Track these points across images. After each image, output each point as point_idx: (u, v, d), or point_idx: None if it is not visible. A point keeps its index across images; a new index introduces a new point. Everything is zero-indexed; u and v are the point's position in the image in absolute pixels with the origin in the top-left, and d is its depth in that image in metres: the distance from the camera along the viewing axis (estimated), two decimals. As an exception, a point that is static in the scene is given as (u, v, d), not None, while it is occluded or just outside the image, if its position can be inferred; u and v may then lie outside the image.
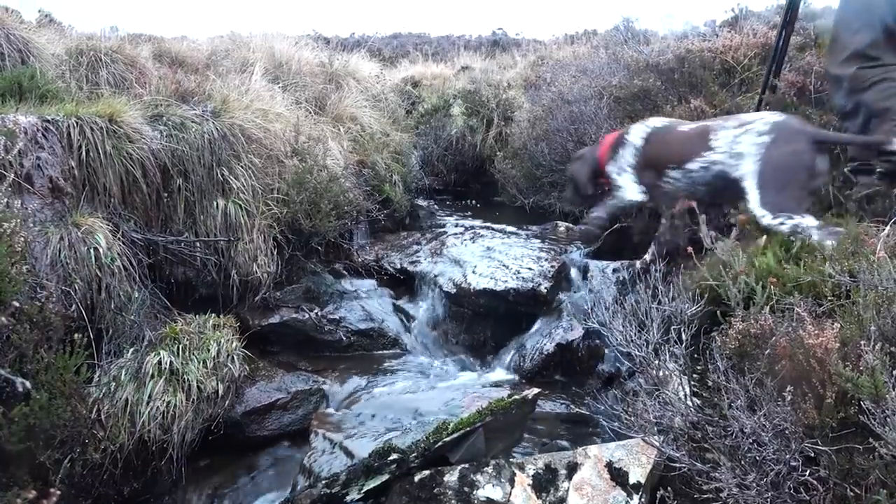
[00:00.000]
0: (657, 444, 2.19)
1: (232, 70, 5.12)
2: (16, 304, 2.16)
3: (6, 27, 3.99)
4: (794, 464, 1.74)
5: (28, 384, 2.16)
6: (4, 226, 2.19)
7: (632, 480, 2.31)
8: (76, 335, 2.51)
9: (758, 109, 3.75)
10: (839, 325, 1.86)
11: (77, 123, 3.10)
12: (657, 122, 3.56)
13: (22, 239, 2.28)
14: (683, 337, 2.28)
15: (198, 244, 3.51)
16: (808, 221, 2.65)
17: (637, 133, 3.51)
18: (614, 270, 4.11)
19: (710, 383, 2.11)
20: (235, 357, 3.15)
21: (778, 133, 2.86)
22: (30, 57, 4.04)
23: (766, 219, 2.76)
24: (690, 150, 3.18)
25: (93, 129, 3.14)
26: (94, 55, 4.42)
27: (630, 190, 3.49)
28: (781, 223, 2.71)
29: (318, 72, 6.30)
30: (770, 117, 2.96)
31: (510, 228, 5.16)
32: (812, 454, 1.75)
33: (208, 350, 3.06)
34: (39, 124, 2.97)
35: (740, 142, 2.95)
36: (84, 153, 3.09)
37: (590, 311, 3.57)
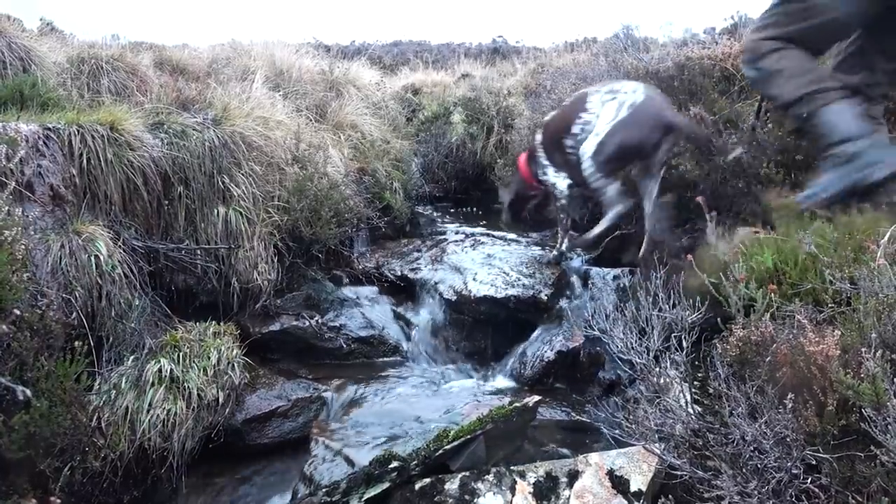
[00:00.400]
0: (658, 451, 2.18)
1: (233, 78, 5.14)
2: (17, 312, 2.16)
3: (8, 35, 4.01)
4: (795, 471, 1.73)
5: (28, 392, 2.16)
6: (6, 234, 2.19)
7: (633, 488, 2.31)
8: (77, 343, 2.50)
9: (757, 116, 3.77)
10: (840, 333, 1.86)
11: (78, 131, 3.11)
12: (547, 118, 4.08)
13: (23, 247, 2.29)
14: (684, 344, 2.27)
15: (198, 252, 3.51)
16: (612, 188, 3.39)
17: (538, 136, 4.00)
18: (614, 277, 4.10)
19: (711, 391, 2.11)
20: (236, 365, 3.14)
21: (636, 111, 3.33)
22: (31, 65, 4.06)
23: (591, 170, 3.42)
24: (571, 115, 3.59)
25: (94, 136, 3.15)
26: (96, 63, 4.44)
27: (559, 182, 3.88)
28: (596, 180, 3.39)
29: (319, 79, 6.32)
30: (637, 96, 3.38)
31: (510, 236, 5.16)
32: (813, 462, 1.75)
33: (209, 358, 3.05)
34: (41, 132, 2.98)
35: (604, 107, 3.42)
36: (85, 161, 3.10)
37: (590, 318, 3.58)
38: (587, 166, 3.40)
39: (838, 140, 2.74)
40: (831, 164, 2.78)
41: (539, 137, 3.95)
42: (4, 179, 2.61)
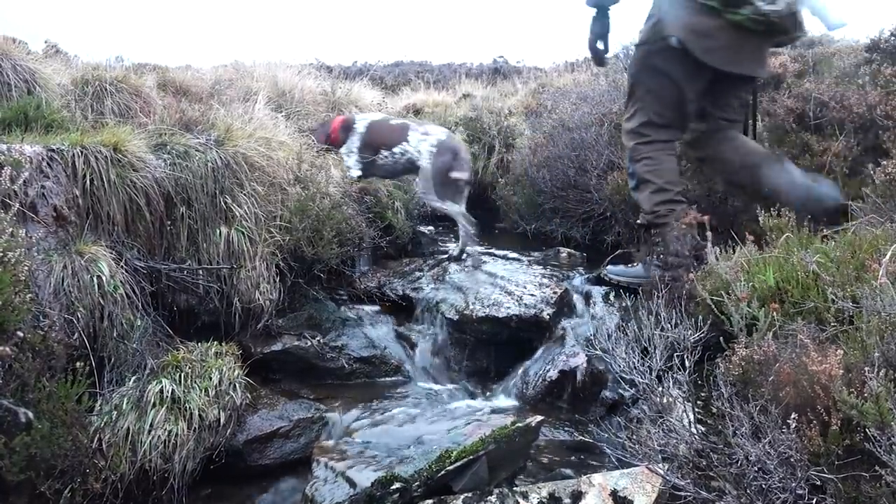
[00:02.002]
0: (662, 472, 2.17)
1: (235, 99, 5.18)
2: (20, 333, 2.16)
3: (13, 58, 4.05)
4: (800, 492, 1.73)
5: (30, 414, 2.15)
6: (9, 255, 2.20)
7: (637, 509, 2.29)
8: (78, 364, 2.51)
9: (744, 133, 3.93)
10: (843, 352, 1.86)
11: (82, 152, 3.13)
12: (374, 115, 5.29)
13: (26, 268, 2.29)
14: (687, 363, 2.27)
15: (200, 272, 3.52)
16: (452, 208, 4.70)
17: (361, 124, 5.02)
18: (616, 296, 4.10)
19: (714, 410, 2.10)
20: (237, 385, 3.14)
21: (439, 147, 4.72)
22: (36, 87, 4.09)
23: (431, 200, 4.69)
24: (396, 138, 4.84)
25: (97, 157, 3.16)
26: (100, 85, 4.47)
27: (353, 168, 4.94)
28: (440, 205, 4.66)
29: (321, 100, 6.37)
30: (440, 135, 4.79)
31: (512, 255, 5.16)
32: (818, 482, 1.74)
33: (210, 378, 3.05)
34: (44, 153, 3.00)
35: (422, 145, 4.74)
36: (88, 182, 3.12)
37: (592, 337, 3.58)
38: (429, 198, 4.73)
39: (671, 252, 3.47)
40: (652, 264, 3.65)
41: (362, 130, 4.99)
42: (8, 201, 2.62)
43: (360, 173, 4.96)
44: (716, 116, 3.70)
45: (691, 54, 3.32)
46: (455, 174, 4.68)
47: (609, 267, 4.13)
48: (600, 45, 3.73)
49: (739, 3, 3.14)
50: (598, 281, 4.35)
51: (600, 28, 3.67)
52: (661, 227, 3.61)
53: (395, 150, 4.83)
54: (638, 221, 3.89)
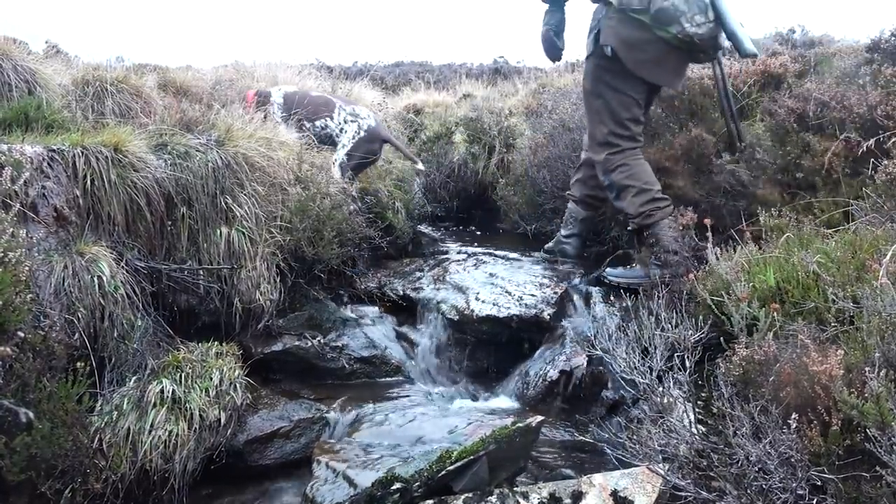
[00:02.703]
0: (662, 472, 2.17)
1: (236, 99, 5.17)
2: (20, 334, 2.17)
3: (13, 58, 4.04)
4: (801, 492, 1.73)
5: (31, 414, 2.16)
6: (10, 255, 2.20)
7: (637, 509, 2.29)
8: (79, 364, 2.51)
9: (730, 143, 4.20)
10: (843, 352, 1.86)
11: (82, 153, 3.13)
12: (288, 88, 5.31)
13: (26, 268, 2.29)
14: (687, 363, 2.27)
15: (201, 272, 3.52)
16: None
17: (277, 95, 5.08)
18: (618, 297, 4.10)
19: (714, 410, 2.10)
20: (238, 385, 3.14)
21: (368, 132, 4.96)
22: (37, 87, 4.08)
23: (336, 172, 4.70)
24: (319, 112, 4.98)
25: (98, 158, 3.16)
26: (100, 85, 4.47)
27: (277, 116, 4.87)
28: (337, 176, 4.65)
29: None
30: (370, 121, 5.00)
31: (512, 255, 5.16)
32: (819, 483, 1.74)
33: (211, 378, 3.05)
34: (45, 154, 3.00)
35: (347, 125, 4.96)
36: (89, 182, 3.12)
37: (593, 337, 3.58)
38: (337, 173, 4.70)
39: (665, 248, 3.65)
40: (651, 264, 3.74)
41: (280, 101, 5.03)
42: (9, 201, 2.62)
43: (280, 115, 5.02)
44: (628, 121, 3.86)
45: (623, 64, 3.56)
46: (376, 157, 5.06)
47: (608, 269, 4.18)
48: (555, 40, 3.90)
49: (669, 21, 3.36)
50: (598, 281, 4.35)
51: (555, 22, 3.85)
52: (652, 226, 3.77)
53: (317, 123, 4.96)
54: (629, 228, 4.04)
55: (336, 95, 5.53)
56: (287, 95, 5.08)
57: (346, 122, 4.96)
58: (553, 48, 3.92)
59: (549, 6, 3.82)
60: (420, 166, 5.69)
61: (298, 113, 4.90)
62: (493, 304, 4.01)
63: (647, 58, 3.54)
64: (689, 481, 2.02)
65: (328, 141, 4.99)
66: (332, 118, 4.97)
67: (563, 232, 4.69)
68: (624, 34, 3.51)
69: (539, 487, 2.43)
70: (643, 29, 3.46)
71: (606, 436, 2.59)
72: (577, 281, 4.45)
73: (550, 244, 4.80)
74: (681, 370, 2.27)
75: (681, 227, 3.61)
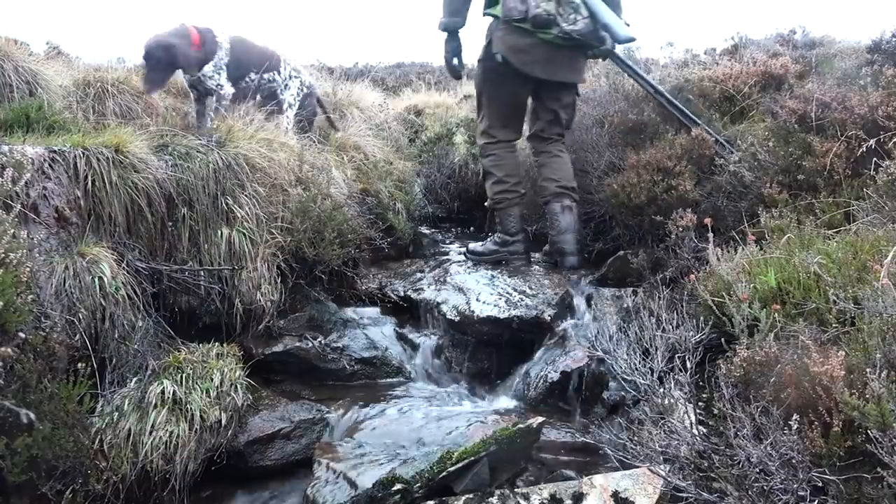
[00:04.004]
0: (663, 473, 2.17)
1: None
2: (21, 335, 2.17)
3: (15, 59, 4.05)
4: (802, 493, 1.72)
5: (32, 415, 2.16)
6: (11, 256, 2.20)
7: (638, 511, 2.29)
8: (80, 365, 2.51)
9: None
10: (845, 353, 1.86)
11: (83, 154, 3.13)
12: (233, 33, 4.75)
13: (28, 269, 2.30)
14: (688, 364, 2.27)
15: (202, 273, 3.52)
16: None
17: (223, 38, 4.56)
18: (618, 297, 4.10)
19: (715, 411, 2.10)
20: (238, 386, 3.14)
21: (310, 89, 5.08)
22: (38, 88, 4.10)
23: (284, 124, 4.72)
24: (264, 65, 4.74)
25: (99, 159, 3.17)
26: (101, 86, 4.48)
27: (227, 87, 4.55)
28: (291, 110, 4.89)
29: (323, 101, 6.36)
30: (308, 78, 5.07)
31: (513, 256, 5.15)
32: (820, 484, 1.74)
33: (211, 379, 3.05)
34: (46, 155, 3.00)
35: (292, 80, 4.94)
36: (90, 183, 3.12)
37: (594, 338, 3.58)
38: (291, 138, 4.55)
39: (506, 231, 4.56)
40: (498, 240, 4.60)
41: (227, 45, 4.57)
42: (10, 202, 2.62)
43: (233, 91, 4.61)
44: (545, 121, 4.50)
45: (513, 67, 4.05)
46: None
47: (469, 244, 4.83)
48: (455, 62, 4.48)
49: (546, 24, 3.86)
50: (600, 282, 4.35)
51: (454, 48, 4.40)
52: (499, 211, 4.56)
53: (265, 76, 4.77)
54: (485, 204, 4.80)
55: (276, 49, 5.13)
56: (233, 41, 4.63)
57: (290, 77, 4.85)
58: (455, 70, 4.55)
59: (448, 35, 4.37)
60: (337, 126, 5.70)
61: (245, 63, 4.64)
62: (494, 305, 4.00)
63: (537, 58, 4.03)
64: (689, 482, 2.02)
65: (270, 96, 4.82)
66: (279, 72, 4.80)
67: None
68: (511, 42, 4.01)
69: (540, 488, 2.43)
70: (529, 35, 3.95)
71: (607, 437, 2.59)
72: (578, 282, 4.44)
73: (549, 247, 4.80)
74: (682, 371, 2.27)
75: (680, 229, 3.62)
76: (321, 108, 5.37)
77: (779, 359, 2.00)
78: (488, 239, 4.69)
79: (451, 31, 4.35)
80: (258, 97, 4.88)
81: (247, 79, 4.68)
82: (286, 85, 4.83)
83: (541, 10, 3.81)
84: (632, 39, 4.03)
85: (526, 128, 4.73)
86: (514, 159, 4.57)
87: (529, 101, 4.54)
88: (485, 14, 4.26)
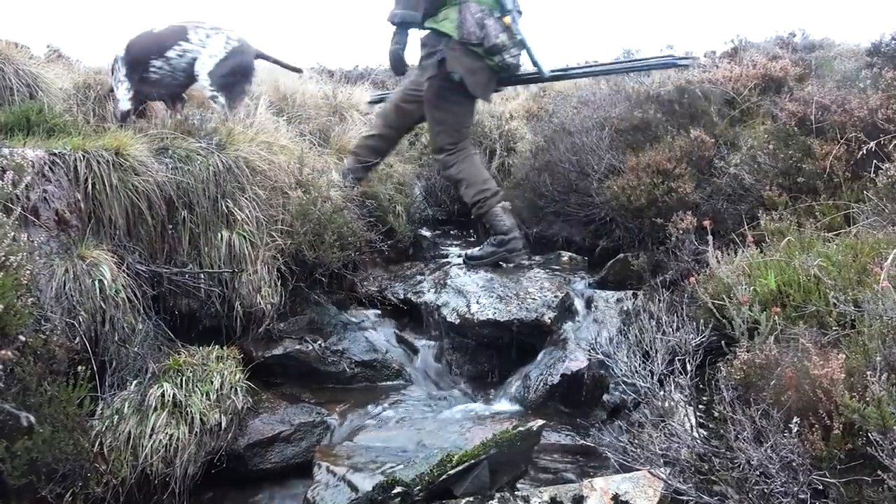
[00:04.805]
0: (664, 476, 2.17)
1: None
2: (22, 338, 2.17)
3: (15, 63, 4.06)
4: (802, 496, 1.72)
5: (32, 418, 2.16)
6: (11, 259, 2.20)
7: (638, 513, 2.29)
8: (80, 367, 2.51)
9: None
10: (845, 356, 1.86)
11: (84, 157, 3.13)
12: (131, 37, 4.37)
13: (28, 272, 2.30)
14: (688, 367, 2.27)
15: (202, 276, 3.52)
16: (222, 100, 4.20)
17: (120, 49, 4.29)
18: (618, 300, 4.10)
19: (716, 414, 2.10)
20: (238, 389, 3.13)
21: (240, 44, 4.28)
22: (38, 91, 4.10)
23: (208, 90, 4.19)
24: (169, 42, 4.18)
25: (99, 162, 3.17)
26: (102, 89, 4.48)
27: (123, 101, 4.28)
28: (214, 95, 4.19)
29: (322, 104, 6.35)
30: (237, 35, 4.32)
31: (513, 258, 5.15)
32: (820, 486, 1.74)
33: (211, 382, 3.05)
34: (46, 158, 3.01)
35: (210, 38, 4.20)
36: (90, 186, 3.12)
37: (594, 341, 3.58)
38: (204, 82, 4.19)
39: (500, 231, 4.52)
40: (494, 241, 4.57)
41: (122, 53, 4.29)
42: (10, 205, 2.62)
43: (128, 106, 4.25)
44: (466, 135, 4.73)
45: (465, 87, 4.28)
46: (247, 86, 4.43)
47: (467, 252, 4.82)
48: (402, 58, 4.61)
49: (497, 52, 4.16)
50: (600, 285, 4.35)
51: (402, 42, 4.53)
52: (485, 215, 4.57)
53: (170, 54, 4.13)
54: (472, 216, 4.92)
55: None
56: (130, 42, 4.26)
57: (208, 36, 4.15)
58: (400, 64, 4.63)
59: (397, 29, 4.49)
60: (303, 74, 5.29)
61: (143, 55, 4.17)
62: (494, 308, 4.00)
63: (482, 80, 4.34)
64: (690, 485, 2.01)
65: (190, 71, 4.15)
66: (187, 40, 4.12)
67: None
68: (467, 63, 4.24)
69: (540, 491, 2.43)
70: (478, 58, 4.23)
71: (607, 440, 2.59)
72: (578, 285, 4.45)
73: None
74: (682, 374, 2.27)
75: (680, 231, 3.63)
76: (270, 61, 4.63)
77: (779, 361, 2.00)
78: (485, 243, 4.69)
79: (401, 26, 4.49)
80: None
81: (152, 68, 4.16)
82: (203, 45, 4.13)
83: (499, 40, 4.14)
84: (553, 78, 4.82)
85: (438, 138, 4.68)
86: (475, 160, 4.71)
87: None
88: (425, 28, 4.39)
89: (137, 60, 4.20)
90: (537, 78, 4.68)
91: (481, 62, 4.25)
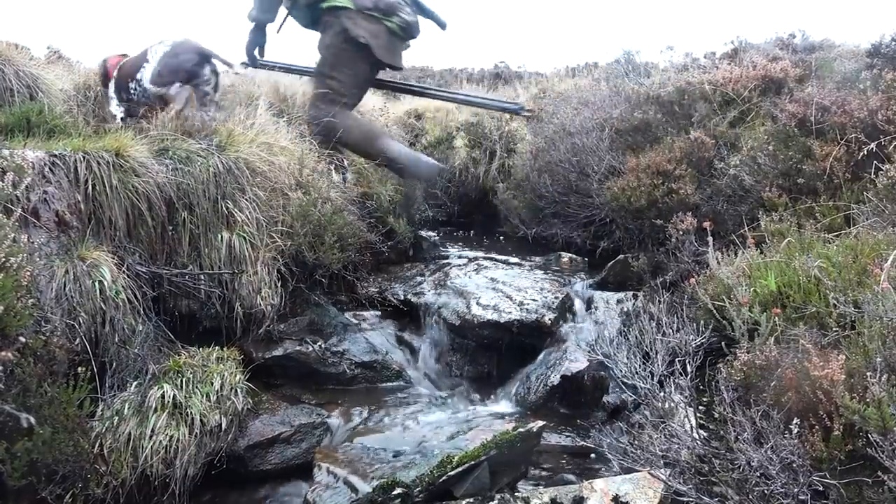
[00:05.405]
0: (664, 477, 2.17)
1: (237, 104, 5.18)
2: (22, 339, 2.17)
3: (15, 64, 4.06)
4: (802, 498, 1.72)
5: (32, 419, 2.16)
6: (11, 260, 2.20)
7: (639, 515, 2.28)
8: (80, 369, 2.51)
9: None
10: (845, 357, 1.86)
11: (84, 158, 3.13)
12: (120, 62, 4.57)
13: (28, 273, 2.30)
14: (688, 368, 2.27)
15: (202, 277, 3.52)
16: (175, 91, 4.28)
17: (113, 70, 4.50)
18: (618, 301, 4.10)
19: (716, 415, 2.10)
20: (239, 390, 3.13)
21: (171, 48, 4.38)
22: (38, 92, 4.10)
23: (152, 87, 4.27)
24: (137, 65, 4.40)
25: (99, 163, 3.17)
26: (102, 90, 4.48)
27: (117, 117, 4.45)
28: (160, 91, 4.26)
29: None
30: (175, 41, 4.46)
31: (513, 259, 5.16)
32: (821, 488, 1.74)
33: (212, 383, 3.05)
34: (47, 159, 3.01)
35: (155, 54, 4.36)
36: (90, 187, 3.12)
37: (594, 342, 3.58)
38: (148, 85, 4.31)
39: (394, 158, 4.89)
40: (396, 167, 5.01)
41: (114, 74, 4.51)
42: (11, 206, 2.62)
43: (121, 113, 4.48)
44: (357, 96, 5.18)
45: (369, 49, 4.68)
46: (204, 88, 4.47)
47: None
48: (256, 52, 5.12)
49: (392, 12, 4.61)
50: (601, 285, 4.35)
51: (258, 39, 5.06)
52: (380, 154, 4.92)
53: (138, 75, 4.38)
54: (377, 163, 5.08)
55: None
56: (120, 66, 4.51)
57: (156, 51, 4.36)
58: (253, 60, 5.14)
59: (255, 27, 5.00)
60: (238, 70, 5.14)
61: (124, 77, 4.41)
62: (494, 309, 4.00)
63: (384, 43, 4.71)
64: (690, 486, 2.01)
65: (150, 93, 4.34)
66: (147, 60, 4.34)
67: None
68: (368, 27, 4.64)
69: (540, 492, 2.43)
70: (378, 22, 4.63)
71: (608, 441, 2.59)
72: (578, 286, 4.45)
73: None
74: (682, 375, 2.27)
75: (680, 232, 3.63)
76: (220, 61, 4.66)
77: (779, 362, 2.00)
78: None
79: (260, 26, 5.02)
80: None
81: (130, 89, 4.44)
82: (151, 58, 4.36)
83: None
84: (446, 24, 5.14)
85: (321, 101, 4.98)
86: (352, 114, 5.12)
87: None
88: (324, 6, 4.78)
89: (120, 85, 4.51)
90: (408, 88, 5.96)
91: (380, 25, 4.67)
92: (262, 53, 5.19)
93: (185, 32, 5.01)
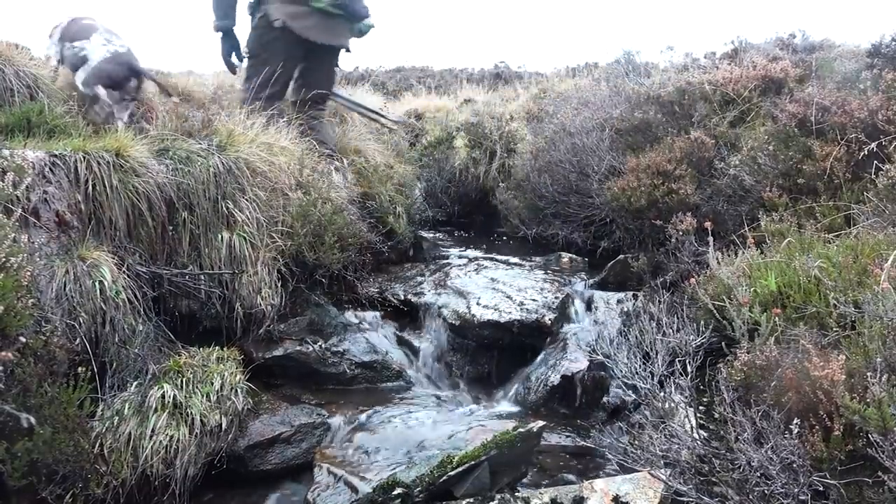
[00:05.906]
0: (664, 477, 2.17)
1: (237, 104, 5.18)
2: (22, 339, 2.17)
3: (15, 64, 4.05)
4: (803, 498, 1.72)
5: (32, 419, 2.16)
6: (11, 260, 2.20)
7: (639, 515, 2.29)
8: (80, 369, 2.51)
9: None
10: (845, 357, 1.86)
11: (84, 158, 3.13)
12: (80, 15, 4.70)
13: (28, 273, 2.30)
14: (689, 368, 2.27)
15: (202, 277, 3.52)
16: (101, 92, 4.29)
17: (66, 18, 4.62)
18: (618, 301, 4.10)
19: (716, 415, 2.10)
20: (239, 390, 3.13)
21: (114, 56, 4.39)
22: (38, 92, 4.10)
23: (83, 87, 4.32)
24: (80, 34, 4.47)
25: (99, 163, 3.17)
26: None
27: (51, 56, 4.60)
28: (90, 91, 4.29)
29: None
30: (120, 48, 4.50)
31: (513, 259, 5.16)
32: (821, 488, 1.74)
33: (212, 383, 3.05)
34: (47, 159, 3.01)
35: (101, 47, 4.40)
36: (91, 187, 3.12)
37: (594, 342, 3.58)
38: (80, 82, 4.38)
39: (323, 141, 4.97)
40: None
41: (65, 22, 4.63)
42: (11, 206, 2.62)
43: (56, 59, 4.66)
44: (309, 88, 5.06)
45: (291, 31, 4.68)
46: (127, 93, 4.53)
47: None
48: (233, 59, 5.10)
49: None
50: (601, 286, 4.35)
51: (230, 45, 5.02)
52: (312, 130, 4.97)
53: (76, 44, 4.52)
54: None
55: (104, 24, 4.83)
56: (72, 21, 4.69)
57: (101, 45, 4.49)
58: (232, 66, 5.14)
59: (223, 35, 4.97)
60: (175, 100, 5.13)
61: (67, 35, 4.56)
62: (495, 309, 4.01)
63: (311, 24, 4.71)
64: (690, 486, 2.01)
65: (81, 63, 4.51)
66: (89, 40, 4.50)
67: None
68: (288, 10, 4.66)
69: (541, 493, 2.43)
70: (303, 4, 4.64)
71: (608, 441, 2.59)
72: (578, 286, 4.45)
73: None
74: (682, 375, 2.27)
75: (680, 232, 3.63)
76: (153, 81, 4.90)
77: (779, 363, 2.00)
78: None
79: (226, 32, 4.99)
80: None
81: (65, 45, 4.58)
82: (94, 50, 4.48)
83: None
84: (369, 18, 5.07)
85: (250, 83, 4.96)
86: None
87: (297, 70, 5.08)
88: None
89: (65, 38, 4.55)
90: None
91: (305, 6, 4.68)
92: (239, 58, 5.19)
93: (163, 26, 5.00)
